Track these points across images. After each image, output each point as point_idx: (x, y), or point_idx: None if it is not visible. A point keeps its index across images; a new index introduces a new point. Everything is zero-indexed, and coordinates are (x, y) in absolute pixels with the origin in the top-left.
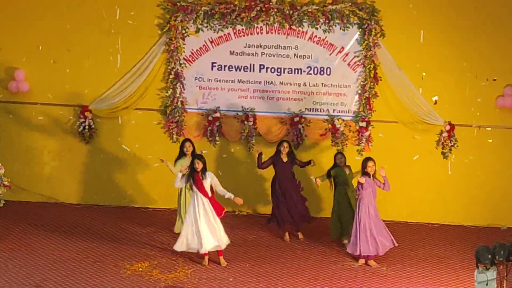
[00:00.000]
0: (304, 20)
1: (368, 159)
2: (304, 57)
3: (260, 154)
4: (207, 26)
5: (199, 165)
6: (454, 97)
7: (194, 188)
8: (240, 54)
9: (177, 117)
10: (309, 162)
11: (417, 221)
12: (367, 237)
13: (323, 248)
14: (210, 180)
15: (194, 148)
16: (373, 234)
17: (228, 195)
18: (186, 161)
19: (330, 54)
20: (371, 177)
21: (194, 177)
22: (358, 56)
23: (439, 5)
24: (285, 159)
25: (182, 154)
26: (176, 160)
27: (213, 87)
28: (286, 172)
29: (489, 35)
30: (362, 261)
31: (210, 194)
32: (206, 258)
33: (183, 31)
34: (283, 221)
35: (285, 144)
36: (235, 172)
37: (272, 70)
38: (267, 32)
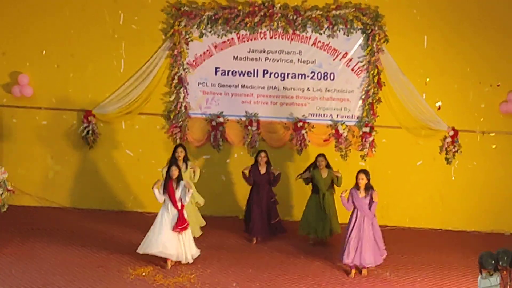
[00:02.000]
0: (307, 25)
1: (359, 171)
2: (308, 62)
3: (244, 174)
4: (210, 31)
5: (174, 173)
6: (457, 103)
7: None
8: (244, 59)
9: (181, 122)
10: (276, 178)
11: (420, 227)
12: (353, 247)
13: (326, 253)
14: (182, 190)
15: (186, 153)
16: (361, 246)
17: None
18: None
19: (334, 59)
20: (360, 190)
21: (167, 184)
22: (361, 62)
23: (442, 10)
24: (262, 170)
25: (173, 159)
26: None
27: (216, 92)
28: (262, 184)
29: (493, 41)
30: (354, 272)
31: (180, 206)
32: (169, 262)
33: (187, 36)
34: (251, 229)
35: (263, 154)
36: (239, 177)
37: (276, 75)
38: (271, 37)
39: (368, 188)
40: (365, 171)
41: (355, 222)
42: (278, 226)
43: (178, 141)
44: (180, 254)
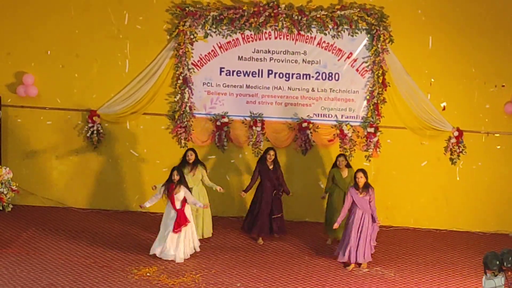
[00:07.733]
0: (312, 26)
1: (357, 170)
2: (313, 62)
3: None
4: (215, 31)
5: (176, 177)
6: (462, 103)
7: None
8: (249, 59)
9: (185, 122)
10: (287, 192)
11: (424, 227)
12: (353, 245)
13: (330, 253)
14: (183, 194)
15: (196, 156)
16: (359, 244)
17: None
18: (186, 170)
19: (339, 59)
20: (360, 189)
21: (168, 187)
22: (366, 62)
23: (447, 11)
24: (270, 166)
25: (184, 162)
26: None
27: (221, 92)
28: (270, 179)
29: (498, 41)
30: (352, 265)
31: (179, 207)
32: None
33: (192, 36)
34: (251, 226)
35: (271, 152)
36: (243, 177)
37: (281, 75)
38: (276, 38)
39: (367, 186)
40: (363, 170)
41: (353, 220)
42: (280, 225)
43: (183, 141)
44: (178, 254)
